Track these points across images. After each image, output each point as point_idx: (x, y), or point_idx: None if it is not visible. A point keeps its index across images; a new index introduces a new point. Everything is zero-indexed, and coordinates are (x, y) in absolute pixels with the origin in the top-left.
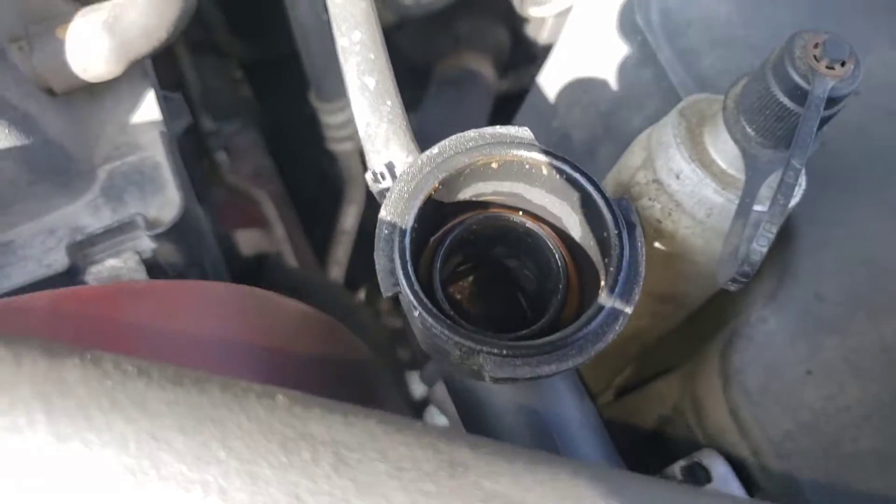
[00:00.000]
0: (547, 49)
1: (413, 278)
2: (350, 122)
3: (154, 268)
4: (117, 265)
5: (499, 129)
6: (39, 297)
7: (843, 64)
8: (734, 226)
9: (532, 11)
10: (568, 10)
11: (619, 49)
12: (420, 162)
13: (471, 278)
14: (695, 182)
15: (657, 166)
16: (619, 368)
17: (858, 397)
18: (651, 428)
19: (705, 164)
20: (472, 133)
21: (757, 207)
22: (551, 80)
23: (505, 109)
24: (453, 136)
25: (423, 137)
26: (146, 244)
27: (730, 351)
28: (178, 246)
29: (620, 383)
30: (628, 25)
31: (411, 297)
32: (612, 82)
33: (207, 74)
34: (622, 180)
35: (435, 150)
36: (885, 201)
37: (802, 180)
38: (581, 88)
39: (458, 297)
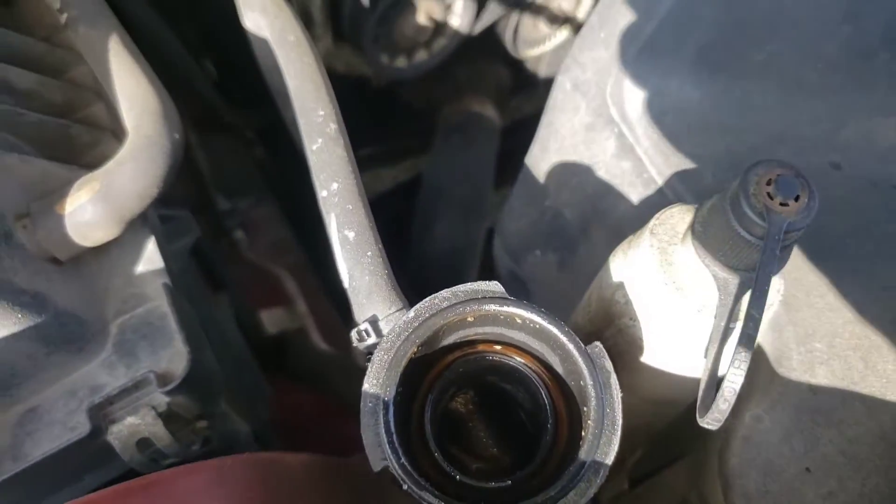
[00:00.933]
0: (547, 80)
1: (400, 451)
2: None
3: (171, 417)
4: (136, 422)
5: (470, 286)
6: None
7: (797, 198)
8: (710, 350)
9: (527, 53)
10: (564, 43)
11: (598, 138)
12: (398, 328)
13: (471, 392)
14: (671, 304)
15: (634, 288)
16: (629, 451)
17: (859, 491)
18: None
19: (680, 286)
20: (445, 293)
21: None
22: (539, 160)
23: (512, 139)
24: (427, 299)
25: (436, 185)
26: (160, 399)
27: (727, 454)
28: (191, 395)
29: (633, 465)
30: (604, 117)
31: (400, 472)
32: (595, 169)
33: (217, 153)
34: (604, 296)
35: (411, 314)
36: (875, 278)
37: (781, 285)
38: (568, 171)
39: (462, 409)
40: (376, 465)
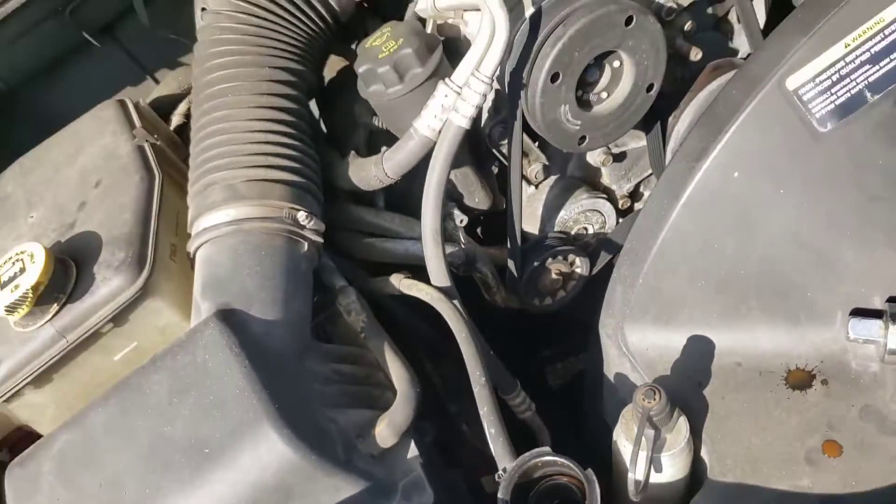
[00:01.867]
0: None
1: None
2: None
3: None
4: None
5: (538, 450)
6: None
7: (655, 399)
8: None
9: None
10: None
11: (622, 362)
12: (510, 471)
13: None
14: (629, 450)
15: (621, 441)
16: None
17: None
18: None
19: (632, 440)
20: (528, 454)
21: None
22: (605, 370)
23: None
24: (521, 456)
25: (593, 376)
26: None
27: None
28: None
29: None
30: (621, 350)
31: None
32: (628, 375)
33: (444, 374)
34: (613, 449)
35: (515, 463)
36: (759, 428)
37: (686, 430)
38: (617, 377)
39: None
40: None
